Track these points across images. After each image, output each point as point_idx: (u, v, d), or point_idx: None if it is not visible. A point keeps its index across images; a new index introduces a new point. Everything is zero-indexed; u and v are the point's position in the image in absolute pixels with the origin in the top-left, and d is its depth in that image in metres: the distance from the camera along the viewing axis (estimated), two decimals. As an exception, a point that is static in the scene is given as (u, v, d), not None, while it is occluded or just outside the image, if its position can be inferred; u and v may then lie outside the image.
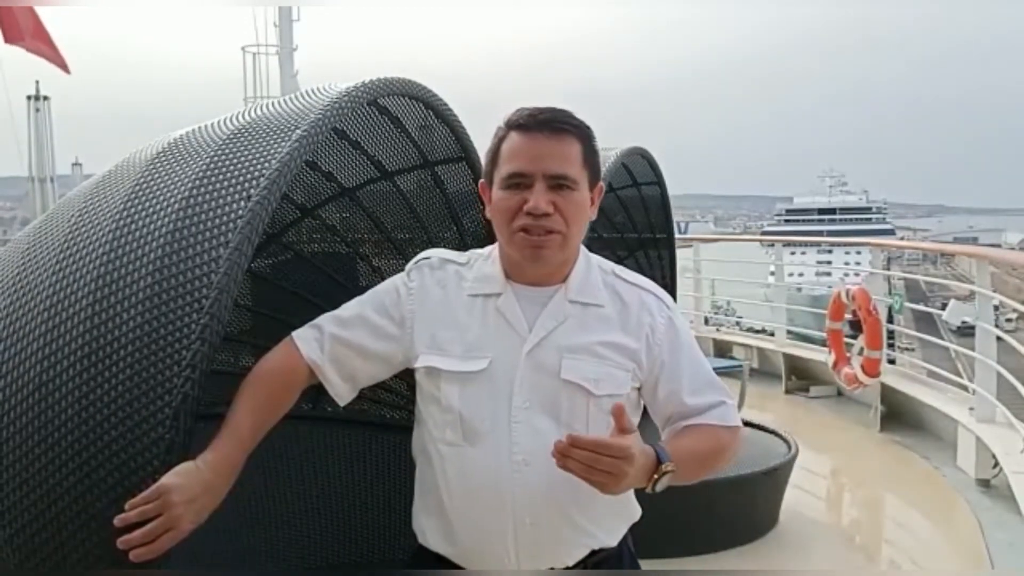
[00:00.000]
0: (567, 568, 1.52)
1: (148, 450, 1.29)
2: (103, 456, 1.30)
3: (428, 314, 1.53)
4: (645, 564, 1.69)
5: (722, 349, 7.64)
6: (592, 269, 1.56)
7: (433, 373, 1.51)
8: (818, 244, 55.15)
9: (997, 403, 4.53)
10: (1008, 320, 26.03)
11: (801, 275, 24.95)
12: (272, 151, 1.52)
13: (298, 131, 1.54)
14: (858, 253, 33.78)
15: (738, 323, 9.33)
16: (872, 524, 4.42)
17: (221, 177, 1.50)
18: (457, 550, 1.52)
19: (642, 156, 4.41)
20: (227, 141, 1.59)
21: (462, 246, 2.06)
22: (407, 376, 1.60)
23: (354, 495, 2.56)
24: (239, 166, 1.51)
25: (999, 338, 4.81)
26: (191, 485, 1.29)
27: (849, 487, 5.07)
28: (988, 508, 4.08)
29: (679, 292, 5.66)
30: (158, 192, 1.53)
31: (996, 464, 4.20)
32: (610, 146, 4.00)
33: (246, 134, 1.60)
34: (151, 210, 1.49)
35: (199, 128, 1.71)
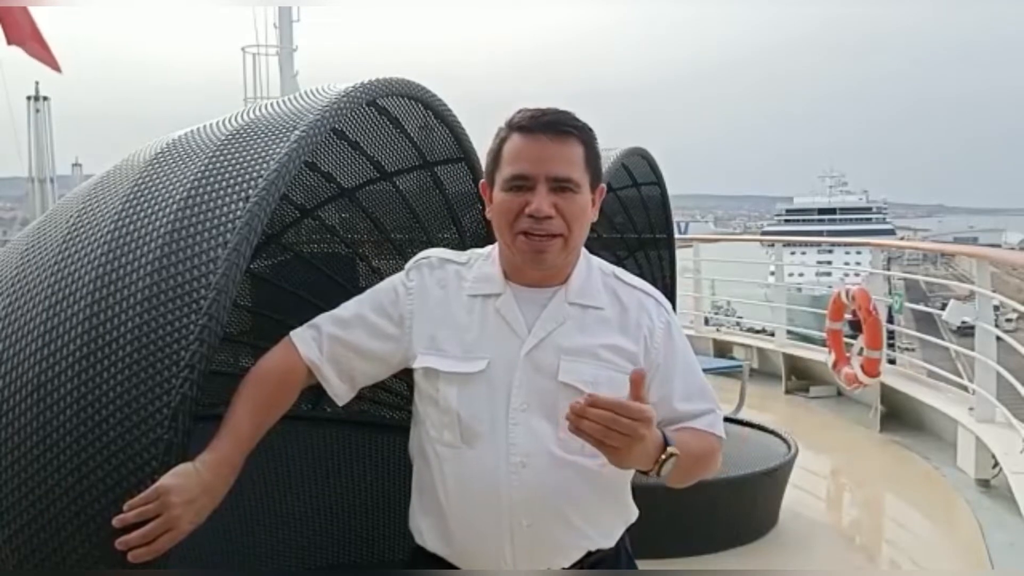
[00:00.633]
0: (563, 569, 1.51)
1: (147, 451, 1.29)
2: (101, 457, 1.29)
3: (427, 314, 1.52)
4: (645, 564, 1.69)
5: (722, 349, 7.64)
6: (592, 271, 1.56)
7: (431, 374, 1.50)
8: (818, 244, 55.16)
9: (997, 403, 4.53)
10: (1008, 320, 26.03)
11: (801, 275, 24.95)
12: (271, 152, 1.52)
13: (297, 131, 1.54)
14: (858, 253, 33.76)
15: (738, 323, 9.33)
16: (872, 524, 4.42)
17: (220, 178, 1.50)
18: (454, 551, 1.52)
19: (642, 156, 4.41)
20: (226, 141, 1.59)
21: (461, 246, 2.06)
22: (406, 376, 1.59)
23: (353, 495, 2.55)
24: (238, 167, 1.51)
25: (999, 338, 4.81)
26: (190, 486, 1.29)
27: (849, 487, 5.07)
28: (988, 508, 4.08)
29: (679, 292, 5.65)
30: (157, 193, 1.53)
31: (996, 464, 4.20)
32: (611, 146, 4.00)
33: (245, 134, 1.60)
34: (150, 211, 1.49)
35: (198, 128, 1.71)
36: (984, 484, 4.33)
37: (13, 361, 1.40)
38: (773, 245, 9.53)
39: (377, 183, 2.19)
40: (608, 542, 1.55)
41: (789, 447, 3.95)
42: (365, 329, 1.53)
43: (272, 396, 1.48)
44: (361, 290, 1.60)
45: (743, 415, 4.70)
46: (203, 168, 1.53)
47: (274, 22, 13.77)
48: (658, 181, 4.68)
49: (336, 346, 1.52)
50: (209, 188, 1.49)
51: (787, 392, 6.66)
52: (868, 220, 71.54)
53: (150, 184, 1.56)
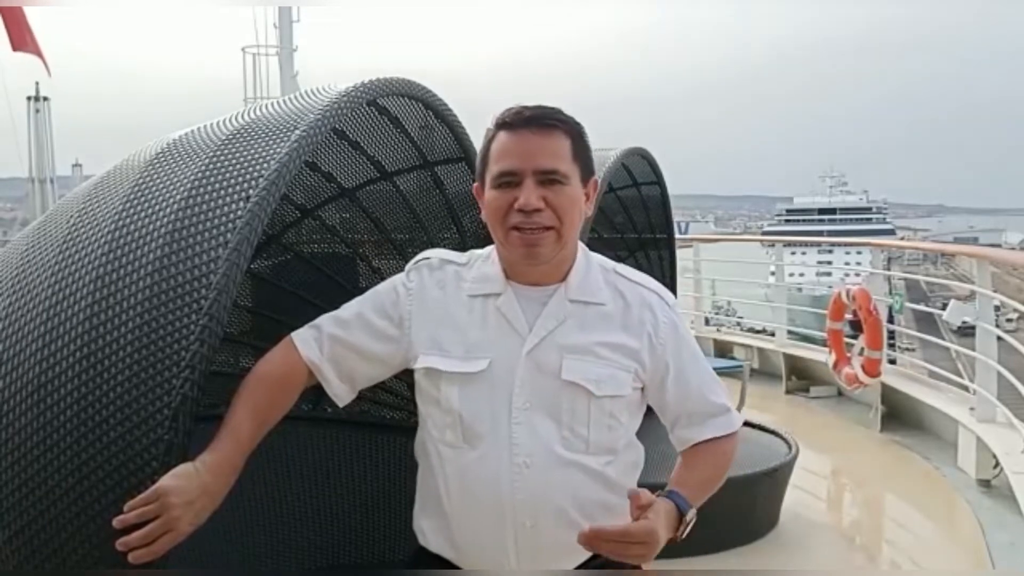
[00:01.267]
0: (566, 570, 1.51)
1: (147, 451, 1.29)
2: (102, 457, 1.29)
3: (427, 315, 1.52)
4: (645, 564, 1.68)
5: (722, 349, 7.63)
6: (592, 267, 1.55)
7: (433, 374, 1.50)
8: (818, 244, 55.13)
9: (998, 403, 4.52)
10: (1008, 320, 26.04)
11: (802, 275, 24.93)
12: (271, 152, 1.51)
13: (297, 131, 1.54)
14: (858, 253, 33.75)
15: (738, 323, 9.32)
16: (872, 524, 4.41)
17: (220, 178, 1.50)
18: (457, 552, 1.52)
19: (642, 156, 4.41)
20: (226, 142, 1.59)
21: (462, 247, 2.06)
22: (407, 377, 1.59)
23: (354, 496, 2.55)
24: (238, 167, 1.51)
25: (1000, 338, 4.81)
26: (190, 487, 1.29)
27: (849, 487, 5.07)
28: (989, 508, 4.08)
29: (679, 292, 5.65)
30: (157, 193, 1.53)
31: (997, 464, 4.19)
32: (611, 146, 4.00)
33: (245, 135, 1.60)
34: (150, 211, 1.49)
35: (198, 129, 1.71)
36: (985, 484, 4.33)
37: (14, 361, 1.40)
38: (773, 245, 9.52)
39: (377, 183, 2.18)
40: None
41: (789, 447, 3.94)
42: (366, 330, 1.53)
43: (273, 397, 1.48)
44: (362, 290, 1.61)
45: (743, 415, 4.68)
46: (204, 168, 1.53)
47: (274, 22, 13.78)
48: (658, 181, 4.68)
49: (337, 347, 1.52)
50: (210, 188, 1.49)
51: (787, 392, 6.65)
52: (868, 220, 71.51)
53: (150, 184, 1.56)
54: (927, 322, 27.47)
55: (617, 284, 1.55)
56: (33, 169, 14.59)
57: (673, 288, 4.89)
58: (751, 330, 8.66)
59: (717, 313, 13.24)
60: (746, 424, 4.23)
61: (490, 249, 1.57)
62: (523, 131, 1.45)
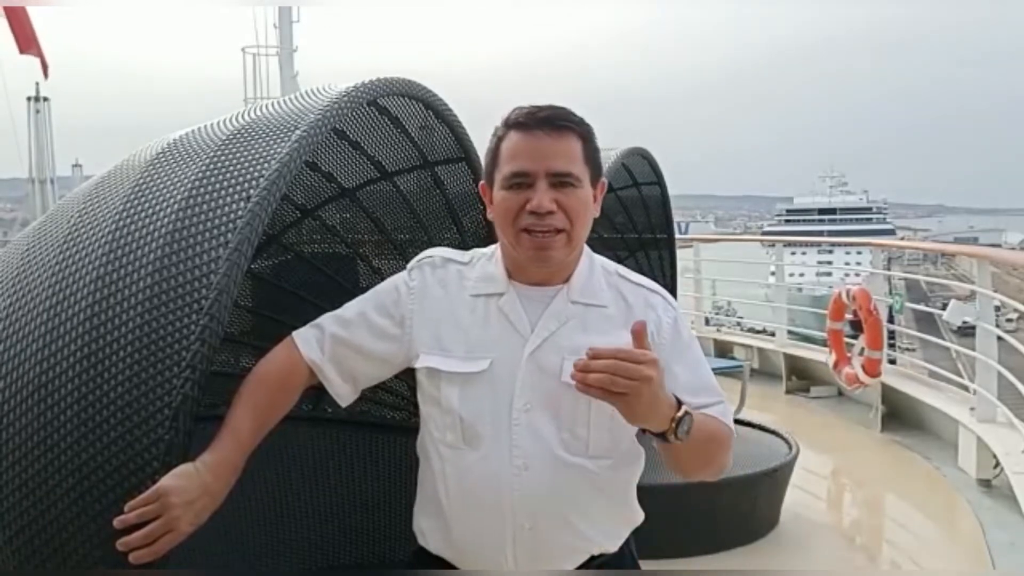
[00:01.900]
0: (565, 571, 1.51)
1: (147, 451, 1.29)
2: (102, 457, 1.29)
3: (428, 314, 1.52)
4: (645, 564, 1.68)
5: (723, 349, 7.64)
6: (595, 269, 1.54)
7: (433, 374, 1.49)
8: (818, 244, 55.12)
9: (998, 403, 4.53)
10: (1009, 320, 26.03)
11: (802, 275, 24.93)
12: (272, 152, 1.51)
13: (298, 132, 1.54)
14: (859, 253, 33.74)
15: (739, 323, 9.32)
16: (873, 524, 4.41)
17: (220, 178, 1.50)
18: (455, 553, 1.51)
19: (642, 156, 4.41)
20: (226, 142, 1.59)
21: (462, 246, 2.06)
22: (408, 376, 1.59)
23: (355, 496, 2.55)
24: (238, 167, 1.51)
25: (1000, 338, 4.81)
26: (190, 487, 1.29)
27: (850, 487, 5.07)
28: (989, 508, 4.08)
29: (679, 292, 5.65)
30: (157, 193, 1.53)
31: (997, 464, 4.20)
32: (611, 146, 4.00)
33: (246, 135, 1.59)
34: (150, 211, 1.49)
35: (198, 129, 1.71)
36: (985, 484, 4.33)
37: (14, 362, 1.40)
38: (774, 245, 9.53)
39: (378, 183, 2.18)
40: (612, 546, 1.54)
41: (790, 447, 3.94)
42: (367, 329, 1.52)
43: (273, 397, 1.48)
44: (362, 290, 1.60)
45: (744, 415, 4.69)
46: (204, 168, 1.53)
47: (274, 22, 13.77)
48: (658, 181, 4.67)
49: (338, 346, 1.52)
50: (210, 188, 1.48)
51: (788, 392, 6.65)
52: (868, 220, 71.52)
53: (151, 184, 1.56)
54: (927, 322, 27.47)
55: (619, 287, 1.54)
56: (33, 169, 14.58)
57: (673, 288, 4.89)
58: (751, 330, 8.66)
59: (717, 313, 13.24)
60: (746, 424, 4.25)
61: (493, 248, 1.56)
62: (536, 132, 1.44)
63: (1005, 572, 3.46)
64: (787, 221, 75.31)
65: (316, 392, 1.59)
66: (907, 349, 12.78)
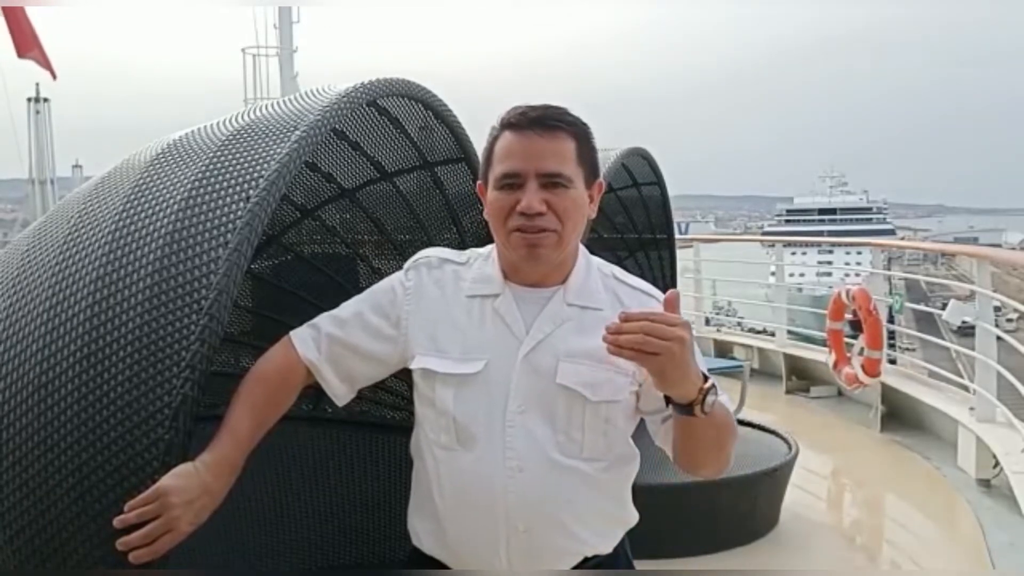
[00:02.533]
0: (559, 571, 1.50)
1: (147, 451, 1.29)
2: (102, 457, 1.29)
3: (424, 314, 1.51)
4: (645, 565, 1.68)
5: (723, 349, 7.64)
6: (592, 271, 1.54)
7: (428, 375, 1.49)
8: (818, 244, 55.15)
9: (997, 403, 4.53)
10: (1008, 320, 26.04)
11: (802, 275, 24.95)
12: (271, 152, 1.52)
13: (297, 132, 1.54)
14: (859, 253, 33.75)
15: (739, 323, 9.32)
16: (873, 524, 4.42)
17: (220, 178, 1.50)
18: (449, 554, 1.51)
19: (642, 156, 4.41)
20: (226, 142, 1.59)
21: (462, 247, 2.07)
22: (406, 376, 1.59)
23: (354, 496, 2.55)
24: (238, 167, 1.51)
25: (999, 338, 4.81)
26: (190, 487, 1.29)
27: (850, 487, 5.07)
28: (989, 508, 4.08)
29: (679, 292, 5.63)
30: (157, 193, 1.53)
31: (997, 464, 4.20)
32: (610, 146, 4.01)
33: (245, 135, 1.60)
34: (150, 211, 1.49)
35: (198, 129, 1.71)
36: (985, 484, 4.33)
37: (15, 362, 1.40)
38: (773, 245, 9.53)
39: (377, 183, 2.19)
40: (606, 547, 1.53)
41: (790, 447, 3.95)
42: (364, 329, 1.52)
43: (272, 396, 1.48)
44: (361, 291, 1.59)
45: (744, 415, 4.69)
46: (204, 168, 1.53)
47: (274, 23, 13.79)
48: (658, 181, 4.68)
49: (335, 346, 1.51)
50: (210, 188, 1.49)
51: (788, 392, 6.66)
52: (868, 220, 71.54)
53: (151, 185, 1.56)
54: (927, 322, 27.48)
55: (616, 290, 1.53)
56: (33, 170, 14.60)
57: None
58: (751, 330, 8.67)
59: (717, 313, 13.25)
60: (746, 424, 4.25)
61: (490, 248, 1.55)
62: (528, 132, 1.43)
63: (1005, 572, 3.46)
64: (787, 221, 75.34)
65: (316, 392, 1.59)
66: (907, 349, 12.79)
